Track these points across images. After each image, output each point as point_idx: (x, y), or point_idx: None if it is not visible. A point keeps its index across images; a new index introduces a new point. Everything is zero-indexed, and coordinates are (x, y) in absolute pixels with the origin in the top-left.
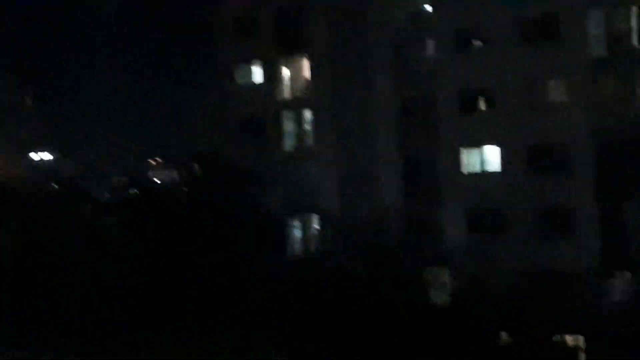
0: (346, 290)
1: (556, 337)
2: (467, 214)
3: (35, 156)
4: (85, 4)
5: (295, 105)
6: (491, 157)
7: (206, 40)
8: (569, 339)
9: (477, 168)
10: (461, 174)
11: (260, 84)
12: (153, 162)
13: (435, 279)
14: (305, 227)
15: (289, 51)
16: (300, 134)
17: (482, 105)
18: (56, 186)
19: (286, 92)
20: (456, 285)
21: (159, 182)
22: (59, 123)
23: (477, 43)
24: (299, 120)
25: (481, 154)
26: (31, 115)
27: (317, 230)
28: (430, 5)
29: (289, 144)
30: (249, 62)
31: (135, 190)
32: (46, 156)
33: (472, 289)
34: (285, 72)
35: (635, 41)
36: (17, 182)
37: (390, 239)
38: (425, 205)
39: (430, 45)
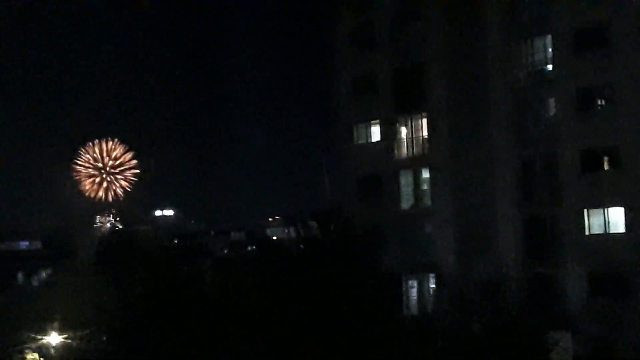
0: (463, 352)
1: None
2: (589, 276)
3: (159, 213)
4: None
5: (413, 164)
6: (615, 218)
7: (325, 100)
8: None
9: (600, 229)
10: (584, 235)
11: (379, 143)
12: (271, 220)
13: (557, 343)
14: (422, 286)
15: (407, 110)
16: (418, 192)
17: (606, 165)
18: (176, 241)
19: (404, 151)
20: (579, 350)
21: (275, 238)
22: (181, 183)
23: (600, 101)
24: (416, 179)
25: (605, 215)
26: (155, 177)
27: (434, 289)
28: (552, 64)
29: (406, 202)
30: (367, 121)
31: (253, 247)
32: (169, 213)
33: (596, 354)
34: (403, 131)
35: None
36: (143, 237)
37: (510, 300)
38: (546, 266)
39: (552, 104)
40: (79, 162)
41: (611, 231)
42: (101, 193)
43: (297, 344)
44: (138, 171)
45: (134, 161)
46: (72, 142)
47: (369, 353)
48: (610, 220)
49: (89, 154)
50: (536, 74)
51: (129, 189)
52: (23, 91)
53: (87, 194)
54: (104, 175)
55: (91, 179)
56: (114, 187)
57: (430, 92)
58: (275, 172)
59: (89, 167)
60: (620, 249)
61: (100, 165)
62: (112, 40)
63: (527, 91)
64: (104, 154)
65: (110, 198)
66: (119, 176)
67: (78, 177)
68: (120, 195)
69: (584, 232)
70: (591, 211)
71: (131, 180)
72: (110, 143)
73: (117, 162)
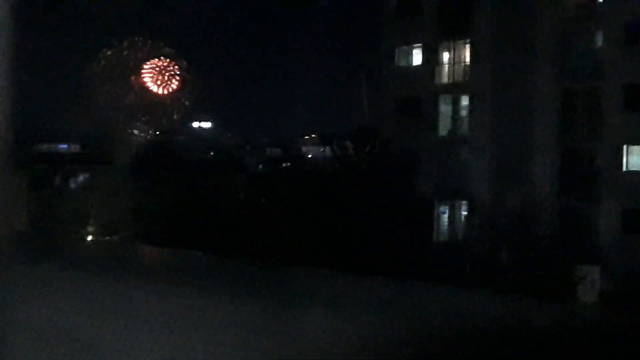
0: (489, 280)
1: None
2: (624, 212)
3: (196, 124)
4: None
5: (454, 90)
6: None
7: (369, 20)
8: None
9: (638, 166)
10: (621, 171)
11: (420, 67)
12: (307, 137)
13: (586, 277)
14: (454, 213)
15: (451, 35)
16: (456, 119)
17: None
18: (212, 153)
19: (445, 77)
20: (607, 285)
21: (311, 156)
22: (220, 93)
23: None
24: (455, 105)
25: None
26: (196, 84)
27: (466, 216)
28: None
29: (444, 128)
30: (410, 44)
31: (288, 164)
32: (206, 125)
33: (624, 290)
34: (446, 56)
35: None
36: (180, 147)
37: (541, 231)
38: (580, 200)
39: (599, 38)
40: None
41: None
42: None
43: (325, 259)
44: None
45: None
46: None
47: (397, 274)
48: None
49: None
50: (585, 5)
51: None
52: None
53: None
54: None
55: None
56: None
57: (476, 18)
58: (315, 90)
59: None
60: None
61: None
62: None
63: (574, 22)
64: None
65: (166, 91)
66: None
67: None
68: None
69: (622, 168)
70: (630, 148)
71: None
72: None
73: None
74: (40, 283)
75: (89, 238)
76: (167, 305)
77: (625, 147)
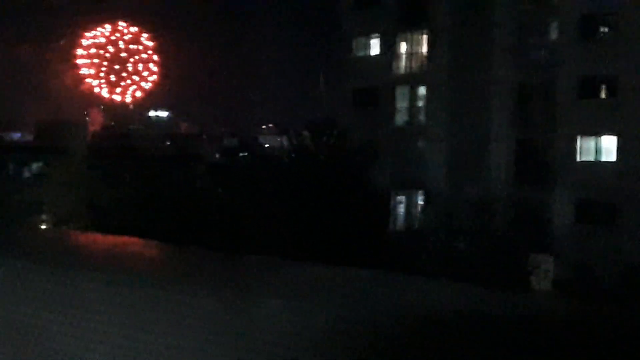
0: (445, 269)
1: None
2: (577, 202)
3: (152, 113)
4: None
5: (411, 80)
6: (607, 146)
7: (327, 10)
8: None
9: (592, 157)
10: (575, 161)
11: (378, 57)
12: (264, 127)
13: (539, 267)
14: (411, 202)
15: (409, 26)
16: (413, 109)
17: (603, 94)
18: (169, 143)
19: (402, 67)
20: (560, 274)
21: (268, 146)
22: (174, 83)
23: (604, 29)
24: (412, 95)
25: (597, 143)
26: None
27: (422, 206)
28: None
29: (401, 118)
30: (368, 34)
31: (245, 153)
32: (162, 114)
33: (577, 279)
34: (403, 46)
35: None
36: (135, 137)
37: (496, 221)
38: (535, 190)
39: (554, 30)
40: (81, 50)
41: (602, 159)
42: (107, 92)
43: (281, 252)
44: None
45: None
46: (72, 26)
47: (353, 265)
48: (602, 148)
49: (93, 38)
50: None
51: (147, 89)
52: None
53: (88, 89)
54: (115, 70)
55: (97, 74)
56: (129, 88)
57: (434, 9)
58: (271, 80)
59: (95, 58)
60: (609, 177)
61: (107, 54)
62: None
63: (530, 14)
64: (114, 37)
65: (121, 99)
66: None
67: (77, 70)
68: (137, 99)
69: (575, 158)
70: (584, 138)
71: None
72: (119, 24)
73: (133, 48)
74: None
75: (42, 227)
76: (118, 295)
77: (579, 137)
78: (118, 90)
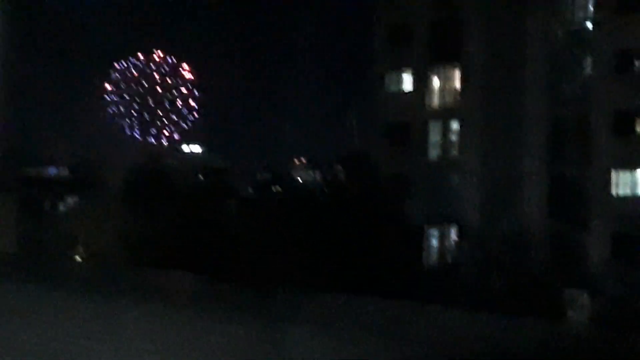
0: (480, 303)
1: None
2: (613, 237)
3: (186, 148)
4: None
5: (444, 115)
6: None
7: (360, 46)
8: None
9: (627, 191)
10: (610, 195)
11: (410, 92)
12: (297, 162)
13: (575, 302)
14: (444, 237)
15: (441, 60)
16: (446, 143)
17: (638, 128)
18: (202, 178)
19: (435, 102)
20: (596, 310)
21: (301, 181)
22: (211, 117)
23: (638, 63)
24: (446, 130)
25: (633, 177)
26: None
27: (456, 241)
28: (592, 22)
29: (434, 153)
30: (400, 69)
31: (279, 188)
32: (196, 149)
33: (613, 315)
34: (436, 81)
35: None
36: (168, 172)
37: (531, 256)
38: (569, 225)
39: (588, 64)
40: (109, 84)
41: (638, 193)
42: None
43: (316, 283)
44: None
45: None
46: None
47: (388, 297)
48: (638, 182)
49: (123, 70)
50: (575, 32)
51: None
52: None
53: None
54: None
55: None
56: (165, 129)
57: (466, 43)
58: (305, 115)
59: (125, 94)
60: None
61: (141, 88)
62: None
63: (564, 49)
64: (148, 70)
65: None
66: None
67: (105, 108)
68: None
69: (611, 192)
70: (619, 172)
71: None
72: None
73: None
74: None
75: (77, 260)
76: (153, 325)
77: (613, 171)
78: (153, 131)
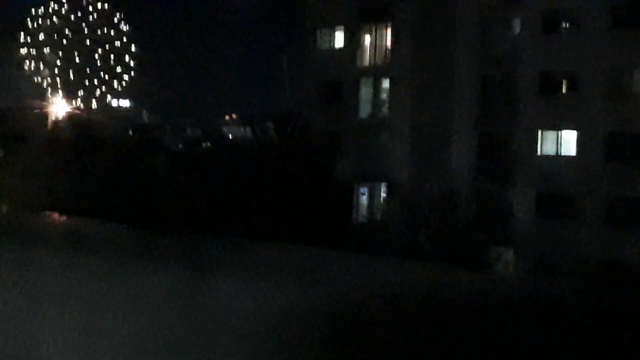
0: (406, 260)
1: None
2: (538, 196)
3: (114, 103)
4: None
5: (374, 73)
6: (568, 140)
7: (291, 2)
8: None
9: (552, 151)
10: (536, 155)
11: (341, 50)
12: (228, 118)
13: (499, 258)
14: (373, 195)
15: (372, 18)
16: (376, 102)
17: (564, 89)
18: (131, 133)
19: (366, 60)
20: (520, 266)
21: (232, 137)
22: (139, 73)
23: (565, 25)
24: (376, 89)
25: (558, 138)
26: (114, 65)
27: (385, 199)
28: None
29: (364, 111)
30: (332, 27)
31: (208, 144)
32: (125, 104)
33: (537, 270)
34: (367, 39)
35: None
36: (97, 127)
37: (458, 214)
38: (496, 184)
39: (517, 25)
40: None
41: (563, 153)
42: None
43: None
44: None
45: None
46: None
47: (313, 249)
48: (562, 142)
49: (43, 17)
50: None
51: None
52: None
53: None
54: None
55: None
56: (95, 92)
57: (397, 1)
58: (236, 71)
59: (46, 47)
60: (569, 171)
61: (65, 40)
62: None
63: (493, 10)
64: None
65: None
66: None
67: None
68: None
69: (536, 152)
70: (545, 132)
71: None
72: None
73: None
74: None
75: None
76: (77, 275)
77: (540, 132)
78: (80, 93)
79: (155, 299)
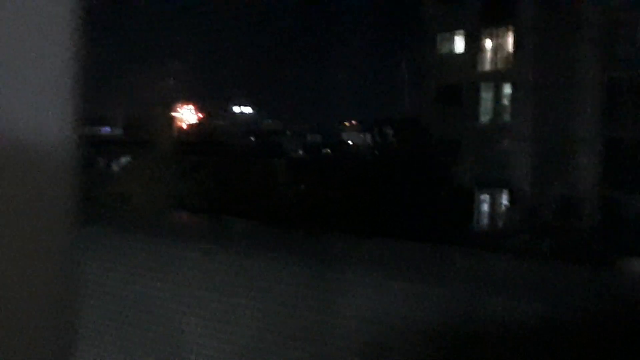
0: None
1: None
2: None
3: (236, 109)
4: None
5: (495, 78)
6: None
7: (410, 6)
8: None
9: None
10: None
11: (461, 54)
12: (347, 124)
13: (630, 270)
14: (494, 203)
15: (494, 22)
16: (497, 107)
17: None
18: (253, 139)
19: (487, 64)
20: None
21: (351, 143)
22: (260, 78)
23: None
24: (497, 94)
25: None
26: (236, 69)
27: (506, 206)
28: None
29: (485, 116)
30: (451, 30)
31: (328, 150)
32: (247, 110)
33: None
34: (488, 43)
35: None
36: (220, 133)
37: (583, 222)
38: (623, 191)
39: None
40: None
41: None
42: None
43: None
44: None
45: None
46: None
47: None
48: None
49: None
50: None
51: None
52: None
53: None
54: None
55: None
56: None
57: (520, 3)
58: (355, 76)
59: None
60: None
61: None
62: None
63: (620, 10)
64: None
65: None
66: None
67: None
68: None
69: None
70: None
71: None
72: None
73: None
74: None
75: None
76: (212, 266)
77: None
78: (205, 99)
79: (287, 291)
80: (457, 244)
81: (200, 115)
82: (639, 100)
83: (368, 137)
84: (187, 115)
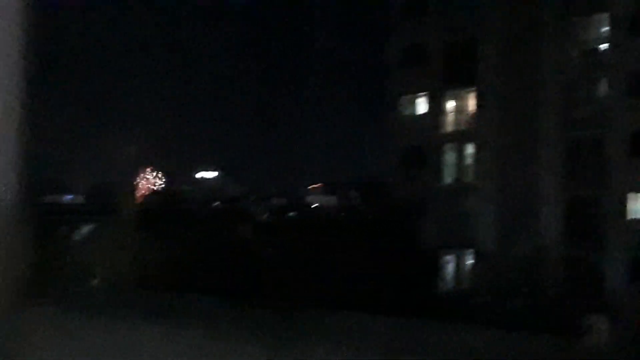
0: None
1: None
2: (631, 262)
3: (200, 174)
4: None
5: (458, 138)
6: None
7: (374, 69)
8: None
9: None
10: (625, 219)
11: (424, 115)
12: (312, 187)
13: (593, 326)
14: (460, 262)
15: (456, 83)
16: (461, 167)
17: None
18: (218, 203)
19: (450, 125)
20: (615, 334)
21: (316, 206)
22: (224, 144)
23: None
24: (460, 154)
25: None
26: (198, 136)
27: (472, 265)
28: (608, 44)
29: (449, 177)
30: (414, 92)
31: (294, 213)
32: (211, 175)
33: (635, 339)
34: (451, 104)
35: None
36: (183, 198)
37: (548, 281)
38: (586, 249)
39: (603, 85)
40: None
41: None
42: None
43: (330, 305)
44: None
45: None
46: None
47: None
48: None
49: None
50: (589, 54)
51: None
52: None
53: None
54: None
55: None
56: None
57: (481, 65)
58: (319, 140)
59: None
60: None
61: None
62: None
63: (578, 71)
64: None
65: None
66: None
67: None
68: None
69: (625, 216)
70: (636, 195)
71: None
72: None
73: None
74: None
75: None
76: (182, 348)
77: (630, 195)
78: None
79: None
80: (424, 306)
81: (164, 181)
82: (599, 158)
83: (333, 199)
84: (151, 181)
